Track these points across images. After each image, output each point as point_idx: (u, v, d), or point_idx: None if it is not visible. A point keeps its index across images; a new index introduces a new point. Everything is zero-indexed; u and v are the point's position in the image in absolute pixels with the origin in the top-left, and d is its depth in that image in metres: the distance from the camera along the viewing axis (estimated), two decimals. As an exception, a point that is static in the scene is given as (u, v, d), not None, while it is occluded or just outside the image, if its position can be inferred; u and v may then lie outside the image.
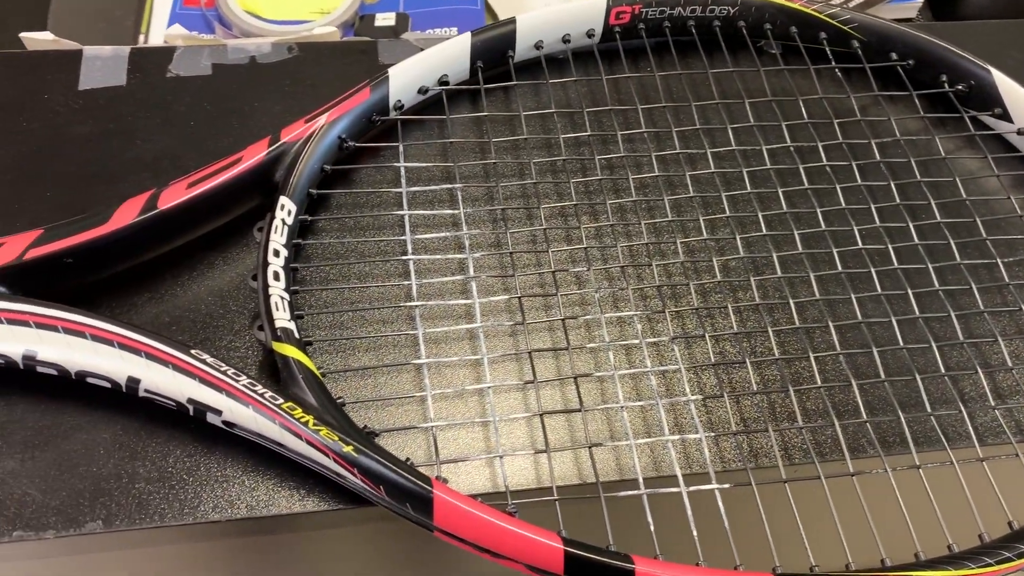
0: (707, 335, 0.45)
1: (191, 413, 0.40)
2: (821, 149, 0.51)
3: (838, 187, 0.50)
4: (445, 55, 0.52)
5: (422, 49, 0.56)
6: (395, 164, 0.49)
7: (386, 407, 0.43)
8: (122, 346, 0.40)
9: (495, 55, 0.53)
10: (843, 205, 0.49)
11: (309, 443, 0.38)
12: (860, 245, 0.48)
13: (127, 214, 0.43)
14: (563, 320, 0.45)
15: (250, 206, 0.47)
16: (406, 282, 0.45)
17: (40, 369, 0.40)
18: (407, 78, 0.51)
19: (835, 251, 0.48)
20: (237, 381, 0.39)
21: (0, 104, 0.51)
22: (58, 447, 0.41)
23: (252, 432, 0.39)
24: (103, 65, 0.54)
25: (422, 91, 0.52)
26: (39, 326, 0.40)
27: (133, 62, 0.54)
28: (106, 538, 0.39)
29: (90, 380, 0.40)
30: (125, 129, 0.51)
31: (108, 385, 0.40)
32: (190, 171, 0.48)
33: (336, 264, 0.47)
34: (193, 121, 0.52)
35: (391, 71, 0.50)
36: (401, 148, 0.49)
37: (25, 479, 0.40)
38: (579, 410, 0.42)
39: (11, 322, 0.40)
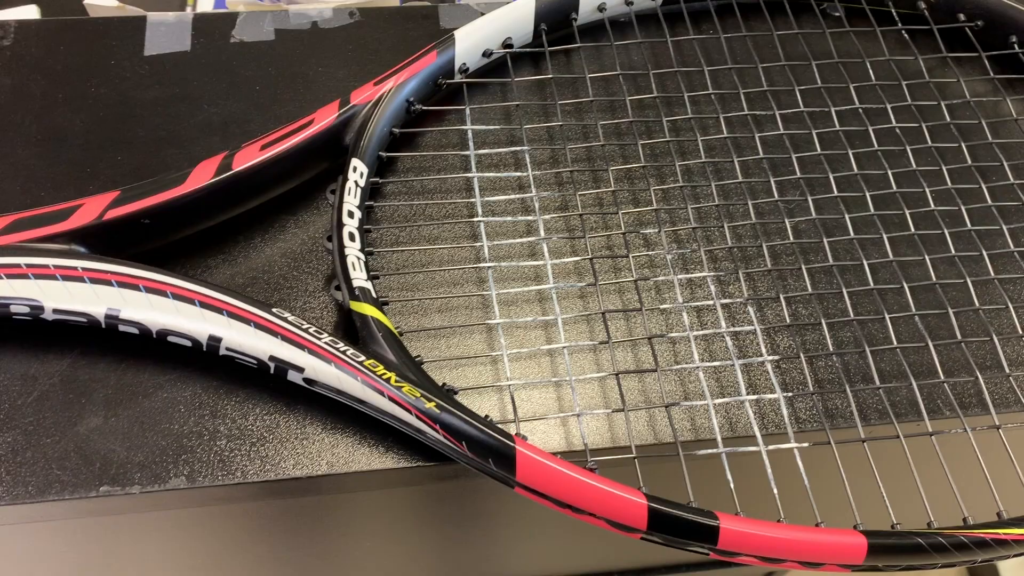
0: (780, 296, 0.44)
1: (271, 371, 0.40)
2: (890, 111, 0.51)
3: (908, 148, 0.50)
4: (510, 18, 0.52)
5: (483, 13, 0.56)
6: (462, 127, 0.49)
7: (461, 366, 0.43)
8: (204, 305, 0.40)
9: (559, 18, 0.53)
10: (913, 167, 0.49)
11: (392, 400, 0.38)
12: (932, 207, 0.48)
13: (203, 175, 0.43)
14: (635, 281, 0.45)
15: (318, 169, 0.47)
16: (477, 244, 0.45)
17: (121, 328, 0.41)
18: (472, 41, 0.50)
19: (907, 212, 0.47)
20: (319, 339, 0.39)
21: (69, 70, 0.52)
22: (139, 405, 0.41)
23: (333, 389, 0.40)
24: (167, 31, 0.54)
25: (486, 54, 0.52)
26: (121, 285, 0.40)
27: (197, 28, 0.54)
28: (189, 494, 0.40)
29: (171, 339, 0.41)
30: (192, 94, 0.51)
31: (188, 344, 0.41)
32: (257, 135, 0.49)
33: (406, 226, 0.47)
34: (258, 86, 0.52)
35: (457, 34, 0.50)
36: (468, 111, 0.49)
37: (109, 436, 0.40)
38: (654, 370, 0.42)
39: (93, 281, 0.40)
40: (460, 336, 0.44)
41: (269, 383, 0.42)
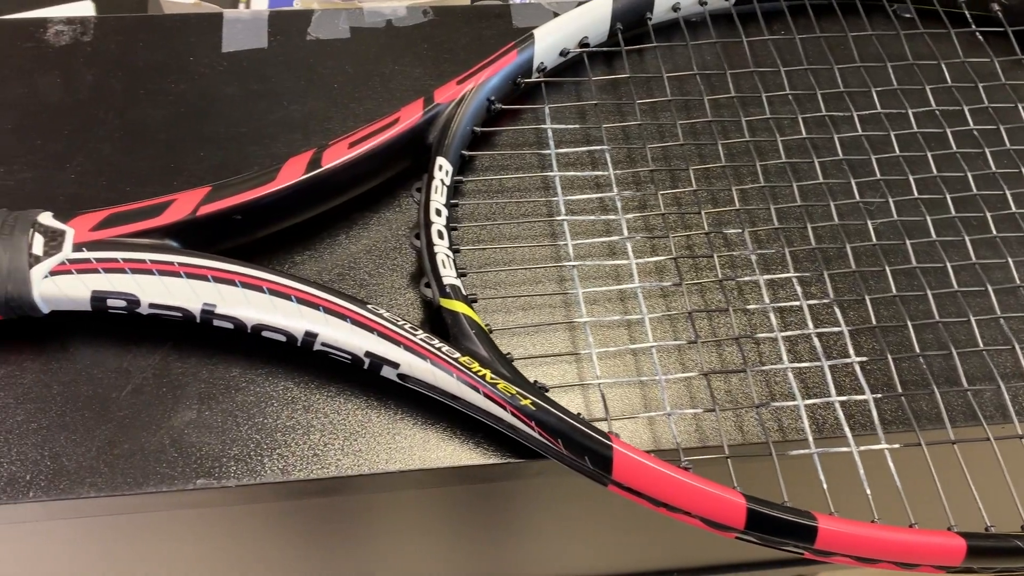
0: (865, 297, 0.44)
1: (366, 367, 0.41)
2: (967, 113, 0.51)
3: (987, 151, 0.49)
4: (588, 17, 0.52)
5: (554, 12, 0.56)
6: (540, 126, 0.49)
7: (548, 364, 0.43)
8: (300, 300, 0.40)
9: (634, 17, 0.53)
10: (992, 169, 0.49)
11: (487, 397, 0.39)
12: (1013, 209, 0.48)
13: (293, 172, 0.44)
14: (719, 281, 0.45)
15: (400, 167, 0.48)
16: (561, 242, 0.46)
17: (216, 323, 0.41)
18: (551, 40, 0.51)
19: (988, 215, 0.47)
20: (414, 335, 0.40)
21: (148, 66, 0.52)
22: (232, 399, 0.42)
23: (427, 385, 0.40)
24: (244, 28, 0.54)
25: (563, 53, 0.52)
26: (217, 280, 0.40)
27: (273, 25, 0.55)
28: (283, 487, 0.40)
29: (265, 334, 0.41)
30: (271, 91, 0.52)
31: (283, 339, 0.41)
32: (338, 132, 0.49)
33: (488, 225, 0.47)
34: (336, 83, 0.52)
35: (536, 33, 0.50)
36: (546, 110, 0.49)
37: (203, 429, 0.41)
38: (742, 370, 0.42)
39: (190, 276, 0.41)
40: (546, 334, 0.44)
41: (359, 378, 0.42)
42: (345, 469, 0.40)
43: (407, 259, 0.46)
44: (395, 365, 0.40)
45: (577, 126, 0.50)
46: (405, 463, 0.40)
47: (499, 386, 0.39)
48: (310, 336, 0.40)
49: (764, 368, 0.43)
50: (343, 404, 0.42)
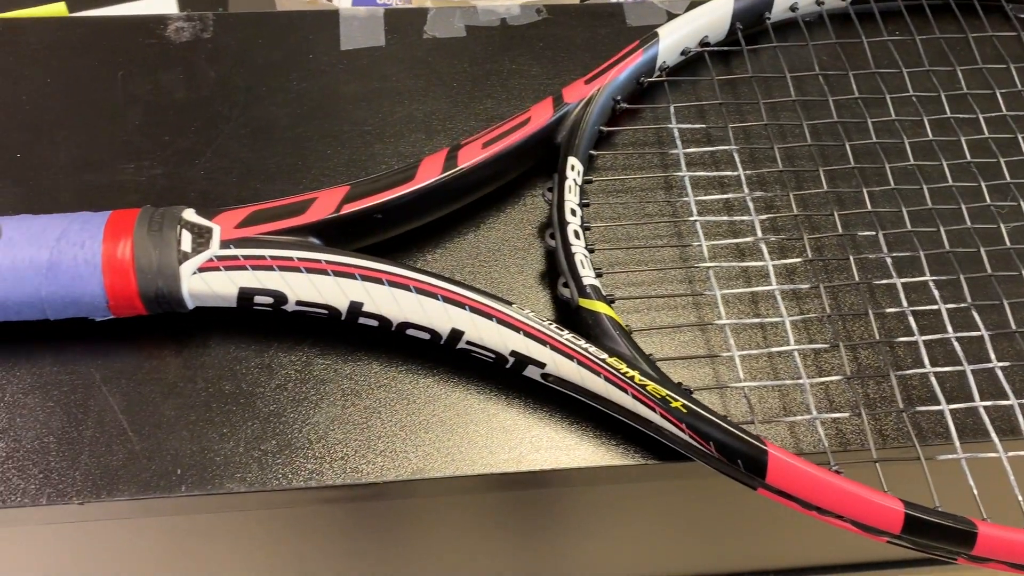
0: (1004, 302, 0.44)
1: (508, 366, 0.41)
2: (1099, 115, 0.50)
3: (1121, 155, 0.49)
4: (709, 17, 0.52)
5: (666, 11, 0.56)
6: (666, 125, 0.49)
7: (688, 366, 0.43)
8: (446, 299, 0.40)
9: (753, 17, 0.53)
10: None
11: (636, 398, 0.39)
12: None
13: (430, 171, 0.44)
14: (858, 284, 0.44)
15: (527, 167, 0.48)
16: (695, 243, 0.45)
17: (361, 320, 0.41)
18: (674, 39, 0.50)
19: None
20: (560, 335, 0.40)
21: (269, 63, 0.53)
22: (374, 396, 0.42)
23: (571, 386, 0.40)
24: (361, 26, 0.55)
25: (684, 52, 0.52)
26: (364, 278, 0.41)
27: (389, 23, 0.55)
28: (430, 484, 0.40)
29: (409, 332, 0.41)
30: (392, 89, 0.52)
31: (427, 337, 0.41)
32: (460, 132, 0.50)
33: (616, 225, 0.47)
34: (455, 82, 0.52)
35: (660, 31, 0.50)
36: (672, 109, 0.49)
37: (348, 426, 0.41)
38: (885, 374, 0.42)
39: (337, 274, 0.41)
40: (682, 335, 0.44)
41: (498, 376, 0.42)
42: (492, 467, 0.40)
43: (534, 259, 0.46)
44: (540, 365, 0.40)
45: (703, 125, 0.50)
46: (552, 462, 0.40)
47: (648, 388, 0.39)
48: (455, 335, 0.41)
49: (906, 372, 0.42)
50: (486, 402, 0.42)
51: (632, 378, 0.39)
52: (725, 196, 0.47)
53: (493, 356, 0.41)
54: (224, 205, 0.43)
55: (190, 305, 0.41)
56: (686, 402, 0.38)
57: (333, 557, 0.54)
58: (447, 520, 0.51)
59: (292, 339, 0.43)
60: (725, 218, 0.47)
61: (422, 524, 0.50)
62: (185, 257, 0.40)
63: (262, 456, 0.40)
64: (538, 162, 0.48)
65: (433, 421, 0.41)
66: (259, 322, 0.43)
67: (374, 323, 0.41)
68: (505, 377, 0.42)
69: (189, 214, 0.42)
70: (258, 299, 0.41)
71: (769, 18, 0.53)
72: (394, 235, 0.45)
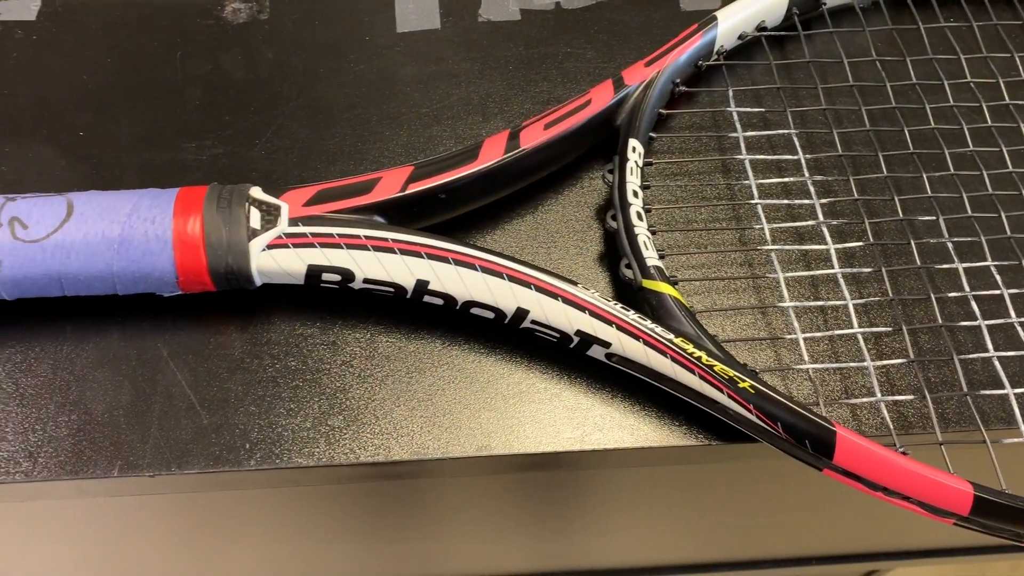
0: (1069, 287, 0.44)
1: (572, 345, 0.41)
2: None
3: None
4: (768, 2, 0.51)
5: (722, -4, 0.56)
6: (725, 108, 0.49)
7: (751, 347, 0.43)
8: (512, 279, 0.41)
9: (810, 2, 0.53)
10: None
11: (703, 378, 0.39)
12: None
13: (493, 152, 0.44)
14: (917, 268, 0.44)
15: (586, 149, 0.48)
16: (756, 226, 0.45)
17: (426, 299, 0.42)
18: (732, 23, 0.50)
19: None
20: (626, 315, 0.40)
21: (326, 45, 0.53)
22: (438, 373, 0.42)
23: (637, 365, 0.40)
24: (416, 8, 0.55)
25: (741, 37, 0.52)
26: (431, 257, 0.41)
27: (444, 6, 0.55)
28: (495, 461, 0.41)
29: (474, 311, 0.41)
30: (448, 71, 0.52)
31: (491, 315, 0.41)
32: (517, 114, 0.50)
33: (676, 207, 0.47)
34: (511, 65, 0.53)
35: (719, 15, 0.50)
36: (730, 93, 0.49)
37: (411, 402, 0.41)
38: (949, 358, 0.42)
39: (404, 252, 0.41)
40: (744, 317, 0.44)
41: (559, 355, 0.42)
42: (567, 443, 0.40)
43: (592, 240, 0.46)
44: (606, 344, 0.40)
45: (762, 109, 0.50)
46: (618, 441, 0.41)
47: (715, 368, 0.39)
48: (520, 314, 0.41)
49: (968, 356, 0.42)
50: (550, 380, 0.42)
51: (699, 358, 0.39)
52: (785, 180, 0.47)
53: (557, 335, 0.41)
54: (286, 184, 0.43)
55: (258, 282, 0.41)
56: (754, 383, 0.38)
57: (378, 535, 0.54)
58: (503, 498, 0.51)
59: (356, 316, 0.43)
60: (786, 201, 0.47)
61: (476, 503, 0.51)
62: (254, 234, 0.41)
63: (329, 431, 0.40)
64: (595, 144, 0.48)
65: (496, 399, 0.42)
66: (321, 299, 0.44)
67: (439, 301, 0.41)
68: (567, 357, 0.42)
69: (256, 192, 0.42)
70: (326, 276, 0.41)
71: (825, 4, 0.53)
72: (455, 215, 0.45)
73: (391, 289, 0.41)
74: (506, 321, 0.41)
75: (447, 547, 0.57)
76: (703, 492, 0.54)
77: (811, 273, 0.45)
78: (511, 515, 0.53)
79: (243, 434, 0.40)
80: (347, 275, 0.41)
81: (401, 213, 0.43)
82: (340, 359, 0.42)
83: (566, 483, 0.50)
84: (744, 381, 0.38)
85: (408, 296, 0.41)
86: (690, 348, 0.39)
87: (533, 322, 0.41)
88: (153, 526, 0.52)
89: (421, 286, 0.41)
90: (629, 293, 0.43)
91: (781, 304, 0.43)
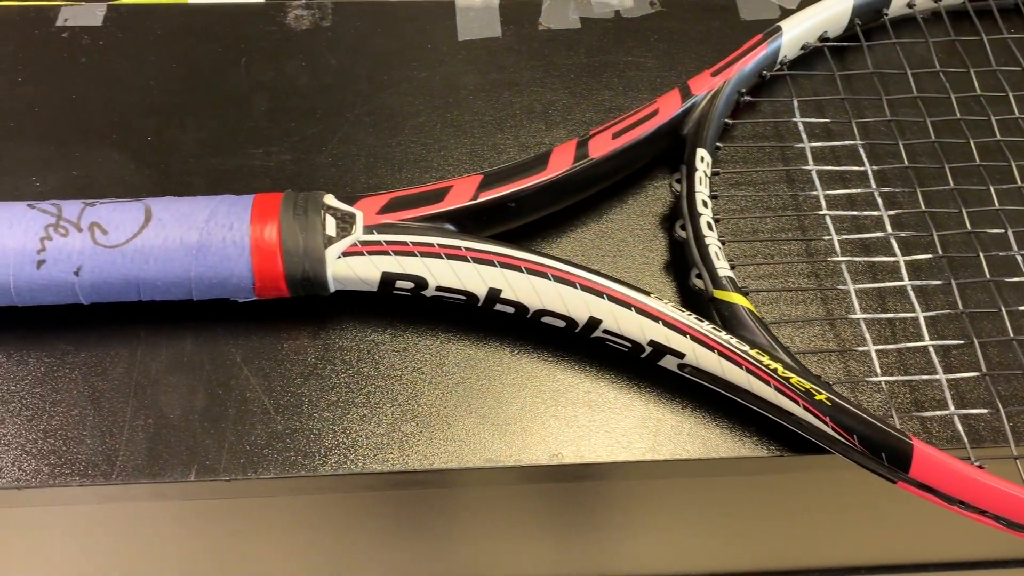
0: None
1: (644, 355, 0.41)
2: None
3: None
4: (830, 11, 0.52)
5: (780, 6, 0.56)
6: (790, 119, 0.49)
7: (819, 358, 0.43)
8: (584, 288, 0.41)
9: (871, 13, 0.53)
10: None
11: (778, 390, 0.39)
12: None
13: (563, 161, 0.44)
14: (987, 282, 0.44)
15: (651, 158, 0.48)
16: (825, 237, 0.45)
17: (498, 307, 0.42)
18: (796, 33, 0.51)
19: None
20: (701, 326, 0.40)
21: (388, 52, 0.53)
22: (507, 381, 0.42)
23: (710, 376, 0.40)
24: (476, 16, 0.55)
25: (804, 47, 0.52)
26: (503, 266, 0.41)
27: (504, 14, 0.55)
28: (556, 471, 0.41)
29: (545, 320, 0.42)
30: (510, 80, 0.52)
31: (562, 324, 0.42)
32: (579, 123, 0.50)
33: (742, 217, 0.47)
34: (572, 74, 0.53)
35: (784, 25, 0.50)
36: (795, 103, 0.49)
37: (484, 410, 0.41)
38: (1021, 371, 0.42)
39: (477, 261, 0.41)
40: (812, 328, 0.44)
41: (628, 365, 0.42)
42: (639, 453, 0.41)
43: (656, 248, 0.47)
44: (679, 355, 0.40)
45: (827, 120, 0.50)
46: (687, 452, 0.41)
47: (791, 380, 0.39)
48: (592, 323, 0.41)
49: (1046, 370, 0.42)
50: (621, 389, 0.42)
51: (775, 370, 0.39)
52: (853, 191, 0.47)
53: (629, 345, 0.41)
54: (352, 191, 0.43)
55: (332, 289, 0.42)
56: (830, 395, 0.38)
57: (427, 543, 0.55)
58: (559, 507, 0.51)
59: (425, 324, 0.44)
60: (854, 213, 0.47)
61: (532, 508, 0.51)
62: (330, 241, 0.41)
63: (403, 438, 0.41)
64: (660, 153, 0.48)
65: (566, 408, 0.42)
66: (390, 306, 0.44)
67: (510, 310, 0.42)
68: (636, 366, 0.42)
69: (330, 199, 0.42)
70: (399, 284, 0.42)
71: (887, 14, 0.53)
72: (523, 223, 0.45)
73: (463, 297, 0.42)
74: (577, 330, 0.41)
75: (502, 551, 0.57)
76: (760, 499, 0.54)
77: (881, 285, 0.45)
78: (569, 522, 0.53)
79: (318, 439, 0.40)
80: (420, 283, 0.41)
81: (471, 221, 0.43)
82: (411, 366, 0.43)
83: (629, 492, 0.50)
84: (820, 393, 0.38)
85: (479, 304, 0.42)
86: (766, 360, 0.39)
87: (605, 331, 0.41)
88: (178, 531, 0.52)
89: (493, 294, 0.41)
90: (696, 302, 0.43)
91: (852, 316, 0.43)
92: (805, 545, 0.61)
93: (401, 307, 0.44)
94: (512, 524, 0.55)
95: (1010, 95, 0.50)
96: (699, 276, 0.43)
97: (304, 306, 0.43)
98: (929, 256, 0.45)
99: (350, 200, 0.43)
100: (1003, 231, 0.46)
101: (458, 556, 0.60)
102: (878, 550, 0.61)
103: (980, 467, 0.38)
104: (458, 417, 0.41)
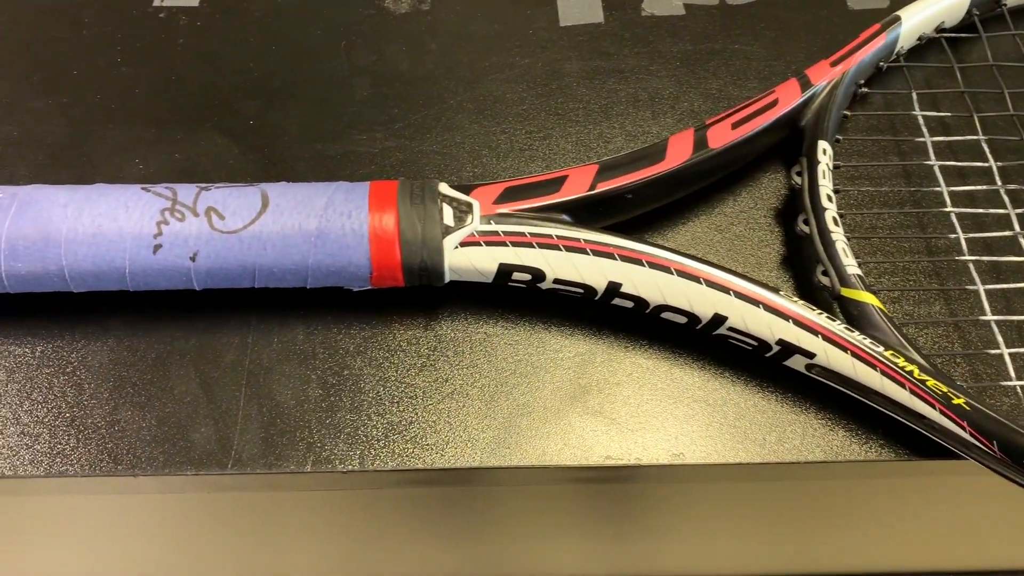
0: None
1: (770, 354, 0.40)
2: None
3: None
4: (949, 1, 0.50)
5: (888, -7, 0.54)
6: (909, 112, 0.48)
7: (947, 360, 0.42)
8: (709, 283, 0.40)
9: (989, 2, 0.51)
10: None
11: (914, 392, 0.37)
12: None
13: (681, 152, 0.43)
14: (1125, 284, 0.43)
15: (767, 149, 0.47)
16: (951, 235, 0.44)
17: (616, 301, 0.41)
18: (914, 23, 0.49)
19: None
20: (832, 325, 0.39)
21: (489, 38, 0.52)
22: (622, 377, 0.41)
23: (840, 377, 0.39)
24: (578, 2, 0.54)
25: (920, 38, 0.50)
26: (624, 259, 0.40)
27: (605, 0, 0.54)
28: (686, 470, 0.40)
29: (665, 315, 0.41)
30: (614, 67, 0.51)
31: (683, 321, 0.40)
32: (688, 113, 0.49)
33: (862, 213, 0.46)
34: (677, 61, 0.51)
35: (902, 15, 0.49)
36: (915, 96, 0.48)
37: (604, 408, 0.40)
38: None
39: (596, 253, 0.40)
40: (940, 328, 0.43)
41: (750, 362, 0.41)
42: (732, 456, 0.39)
43: (773, 242, 0.45)
44: (809, 355, 0.39)
45: (949, 113, 0.48)
46: (806, 454, 0.40)
47: (928, 383, 0.37)
48: (717, 320, 0.40)
49: None
50: (741, 389, 0.41)
51: (911, 372, 0.38)
52: (977, 187, 0.46)
53: (755, 344, 0.40)
54: (460, 180, 0.43)
55: (447, 279, 0.41)
56: (968, 399, 0.37)
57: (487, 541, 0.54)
58: (659, 507, 0.50)
59: (539, 316, 0.43)
60: (980, 210, 0.45)
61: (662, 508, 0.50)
62: (448, 231, 0.40)
63: (519, 433, 0.40)
64: (775, 145, 0.47)
65: (688, 405, 0.41)
66: (503, 298, 0.43)
67: (629, 304, 0.41)
68: (758, 364, 0.41)
69: (445, 188, 0.41)
70: (516, 276, 0.41)
71: (1005, 4, 0.51)
72: (637, 215, 0.44)
73: (580, 290, 0.41)
74: (699, 327, 0.40)
75: (572, 551, 0.56)
76: (862, 501, 0.53)
77: (1010, 286, 0.43)
78: (636, 523, 0.52)
79: (433, 431, 0.40)
80: (538, 275, 0.40)
81: (586, 212, 0.42)
82: (525, 359, 0.42)
83: (722, 493, 0.49)
84: (958, 397, 0.37)
85: (597, 298, 0.41)
86: (900, 361, 0.38)
87: (730, 329, 0.40)
88: (216, 524, 0.52)
89: (613, 288, 0.40)
90: (819, 300, 0.42)
91: (982, 317, 0.42)
92: (924, 547, 0.59)
93: (513, 298, 0.43)
94: (575, 523, 0.54)
95: None
96: (825, 273, 0.41)
97: (414, 296, 0.43)
98: (1060, 256, 0.44)
99: (464, 189, 0.42)
100: None
101: (523, 555, 0.60)
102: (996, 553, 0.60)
103: (1124, 476, 0.36)
104: (576, 415, 0.40)
